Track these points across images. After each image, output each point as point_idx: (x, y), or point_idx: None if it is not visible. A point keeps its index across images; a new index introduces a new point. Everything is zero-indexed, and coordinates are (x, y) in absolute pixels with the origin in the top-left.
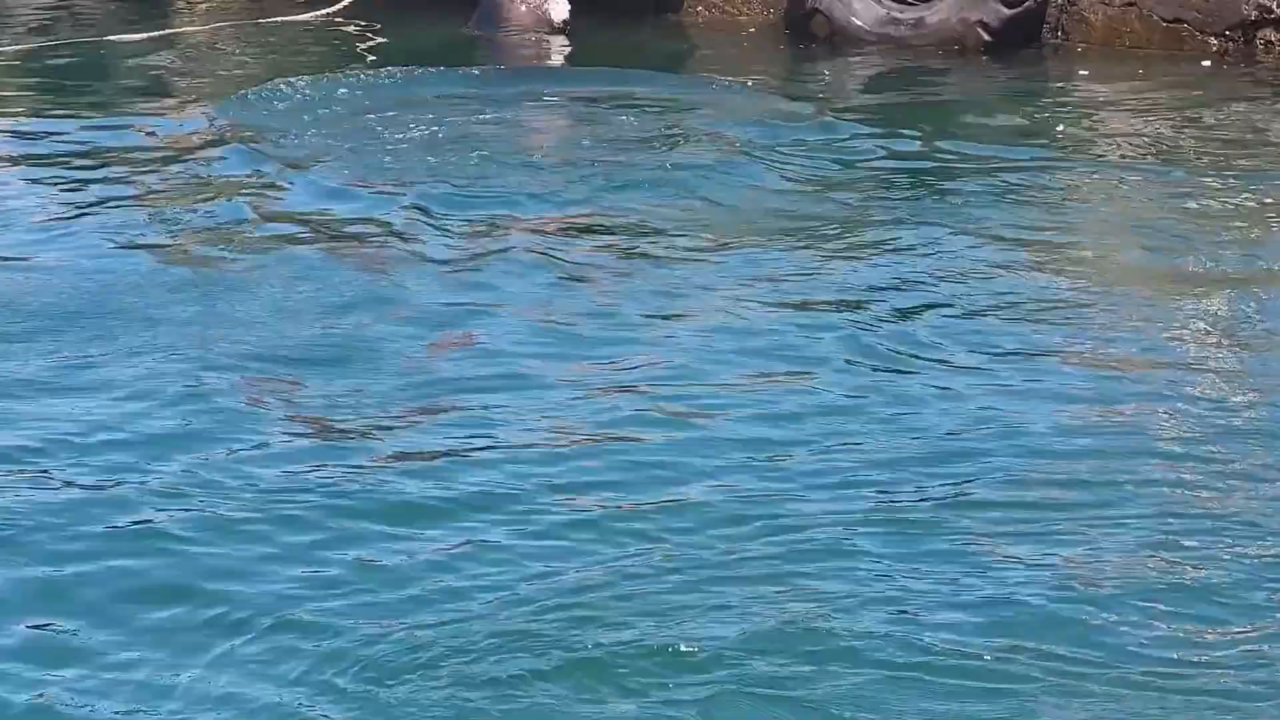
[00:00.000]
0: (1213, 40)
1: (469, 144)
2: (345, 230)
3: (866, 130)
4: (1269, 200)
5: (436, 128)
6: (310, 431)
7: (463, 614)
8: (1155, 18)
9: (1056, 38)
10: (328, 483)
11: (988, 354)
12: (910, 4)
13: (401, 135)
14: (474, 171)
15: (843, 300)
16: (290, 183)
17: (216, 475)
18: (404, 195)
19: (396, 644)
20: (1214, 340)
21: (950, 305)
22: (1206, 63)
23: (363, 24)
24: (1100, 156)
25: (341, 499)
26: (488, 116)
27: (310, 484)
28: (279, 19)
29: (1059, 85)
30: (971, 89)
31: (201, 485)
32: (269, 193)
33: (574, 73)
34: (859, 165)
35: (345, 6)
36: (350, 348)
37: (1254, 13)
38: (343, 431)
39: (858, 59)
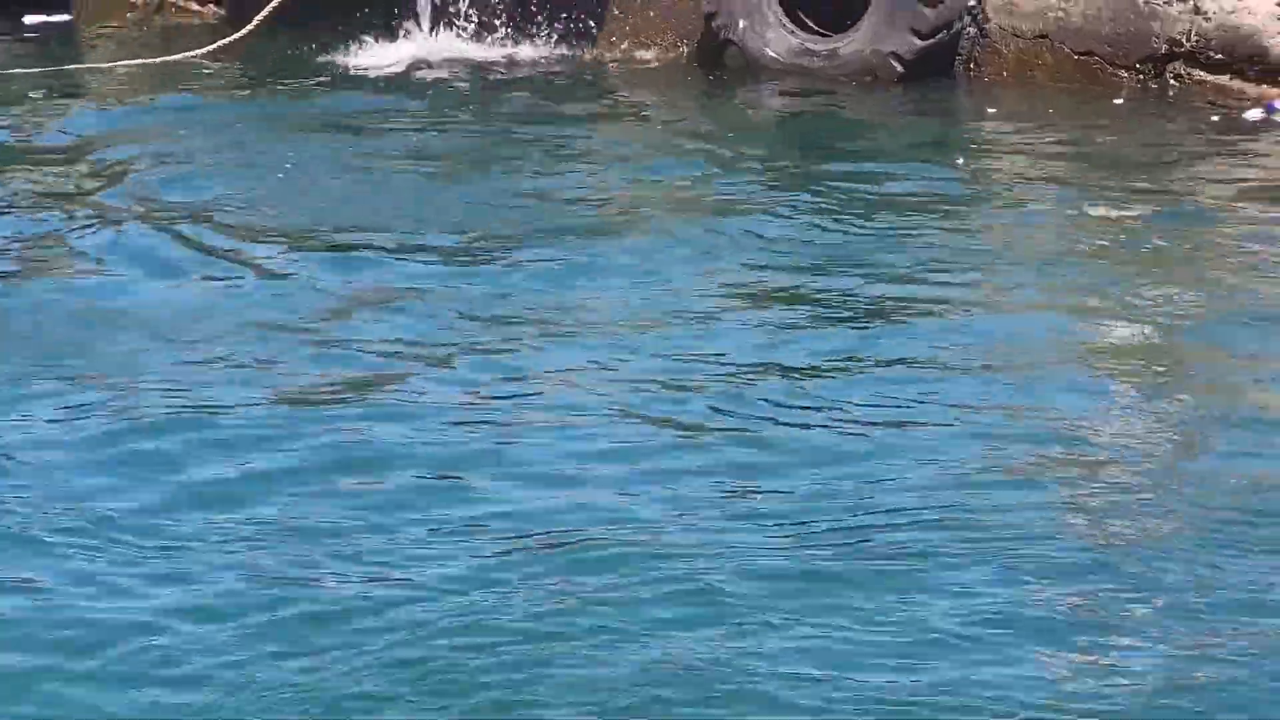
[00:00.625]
0: (1123, 73)
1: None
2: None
3: (772, 163)
4: (1169, 235)
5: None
6: None
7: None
8: (1066, 50)
9: (969, 69)
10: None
11: (883, 397)
12: (824, 35)
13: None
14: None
15: (735, 336)
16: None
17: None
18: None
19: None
20: (1116, 376)
21: (850, 346)
22: (1119, 100)
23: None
24: (1002, 192)
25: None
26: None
27: None
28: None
29: (967, 120)
30: (881, 122)
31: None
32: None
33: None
34: (762, 198)
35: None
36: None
37: (1164, 46)
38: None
39: (769, 91)
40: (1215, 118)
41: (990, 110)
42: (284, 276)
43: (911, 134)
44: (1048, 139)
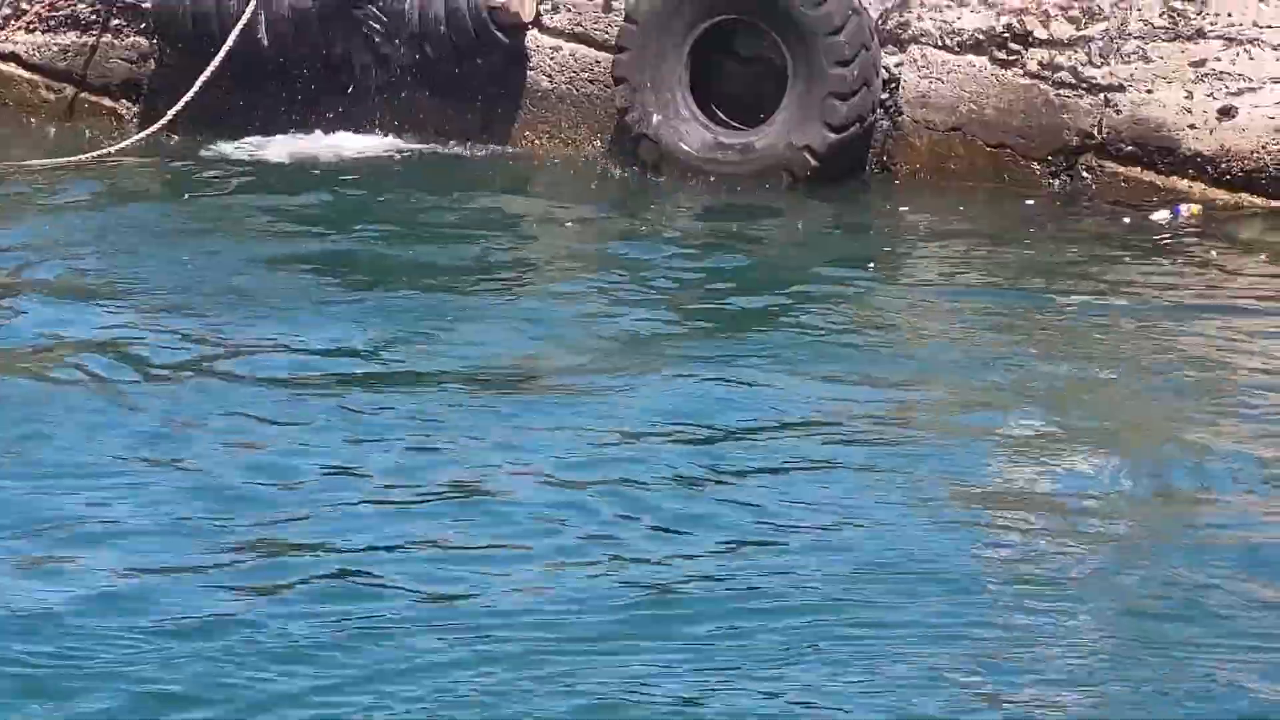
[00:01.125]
0: (1036, 165)
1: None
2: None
3: (679, 263)
4: (1079, 331)
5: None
6: None
7: None
8: (979, 143)
9: (883, 162)
10: None
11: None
12: (738, 129)
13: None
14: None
15: (629, 440)
16: None
17: None
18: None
19: None
20: (1020, 467)
21: (753, 446)
22: (1030, 201)
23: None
24: (910, 291)
25: None
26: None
27: None
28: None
29: (877, 218)
30: (791, 220)
31: None
32: None
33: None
34: (668, 298)
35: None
36: None
37: (1075, 139)
38: None
39: (681, 188)
40: (1126, 219)
41: (902, 209)
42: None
43: (821, 236)
44: (958, 242)
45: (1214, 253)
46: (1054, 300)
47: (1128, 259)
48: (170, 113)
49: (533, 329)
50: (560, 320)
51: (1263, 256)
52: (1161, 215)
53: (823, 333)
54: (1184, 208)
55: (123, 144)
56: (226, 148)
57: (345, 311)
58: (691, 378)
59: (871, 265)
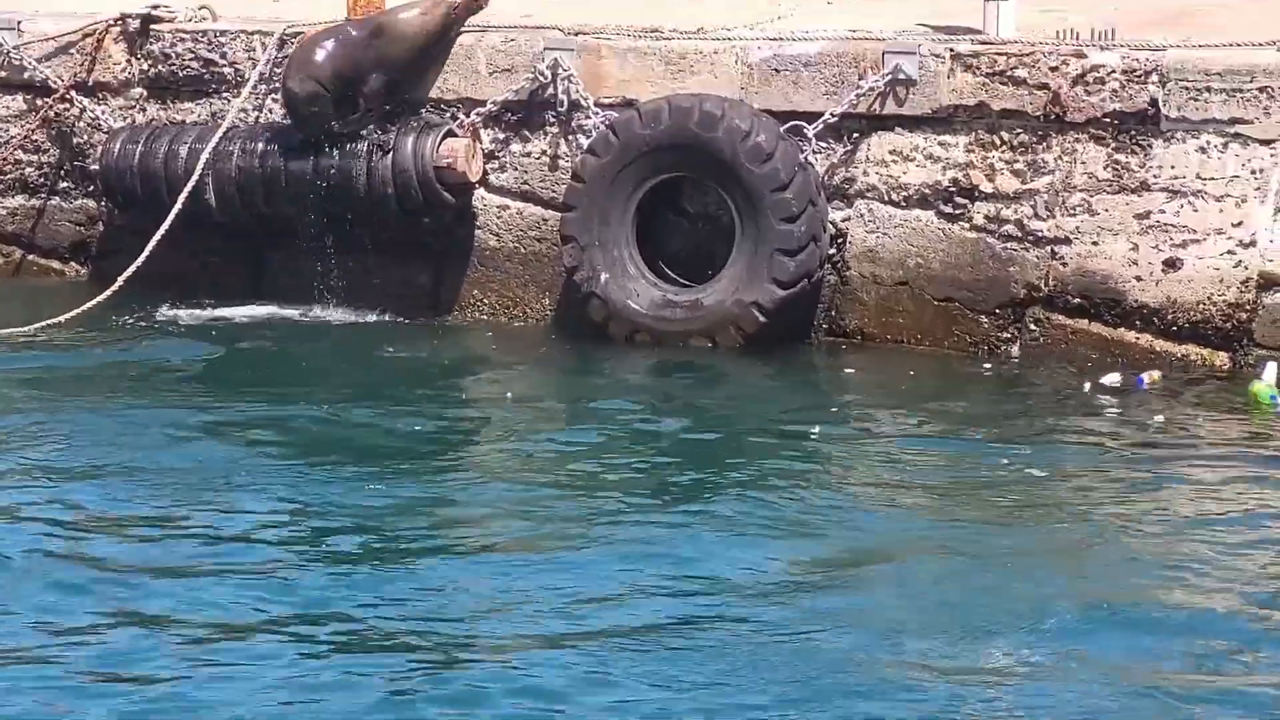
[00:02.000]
0: (984, 319)
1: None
2: None
3: (625, 428)
4: (1025, 499)
5: None
6: None
7: None
8: (927, 296)
9: (831, 316)
10: None
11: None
12: (686, 286)
13: None
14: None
15: (576, 608)
16: None
17: None
18: None
19: None
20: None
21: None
22: (987, 367)
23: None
24: (857, 452)
25: None
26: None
27: None
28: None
29: (825, 376)
30: (738, 380)
31: None
32: None
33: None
34: (613, 463)
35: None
36: None
37: (1023, 291)
38: None
39: (629, 347)
40: (1074, 382)
41: (849, 368)
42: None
43: (768, 396)
44: (904, 400)
45: (1159, 418)
46: (1001, 461)
47: (1078, 421)
48: (120, 279)
49: (473, 496)
50: (503, 488)
51: (1207, 414)
52: (1112, 379)
53: (770, 497)
54: (1145, 377)
55: (72, 313)
56: (172, 312)
57: (281, 481)
58: (635, 544)
59: (818, 427)
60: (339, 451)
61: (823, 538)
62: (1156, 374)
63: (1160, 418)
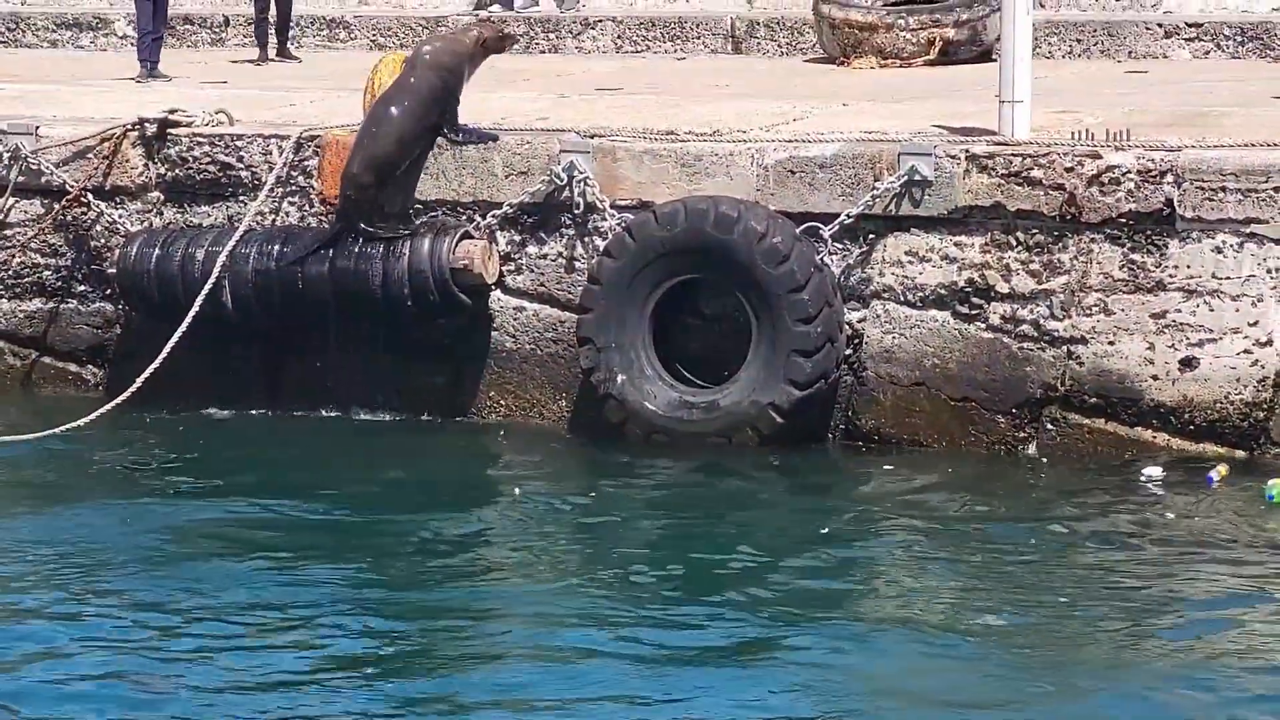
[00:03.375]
0: (1000, 419)
1: None
2: None
3: (639, 535)
4: (1050, 607)
5: None
6: None
7: None
8: (943, 397)
9: (848, 417)
10: None
11: None
12: (703, 387)
13: None
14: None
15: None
16: None
17: None
18: None
19: None
20: None
21: None
22: (985, 462)
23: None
24: (875, 561)
25: None
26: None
27: None
28: None
29: (842, 478)
30: (753, 486)
31: None
32: None
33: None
34: (621, 570)
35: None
36: None
37: (1039, 391)
38: None
39: (645, 450)
40: (1107, 476)
41: (866, 468)
42: None
43: (785, 500)
44: (922, 504)
45: (1170, 515)
46: (1019, 570)
47: (1097, 519)
48: (138, 381)
49: (481, 599)
50: (517, 594)
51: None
52: (1153, 471)
53: (784, 603)
54: (1215, 474)
55: (89, 417)
56: (189, 415)
57: (289, 582)
58: (642, 663)
59: (831, 530)
60: (351, 552)
61: (839, 653)
62: (1225, 468)
63: (1172, 514)
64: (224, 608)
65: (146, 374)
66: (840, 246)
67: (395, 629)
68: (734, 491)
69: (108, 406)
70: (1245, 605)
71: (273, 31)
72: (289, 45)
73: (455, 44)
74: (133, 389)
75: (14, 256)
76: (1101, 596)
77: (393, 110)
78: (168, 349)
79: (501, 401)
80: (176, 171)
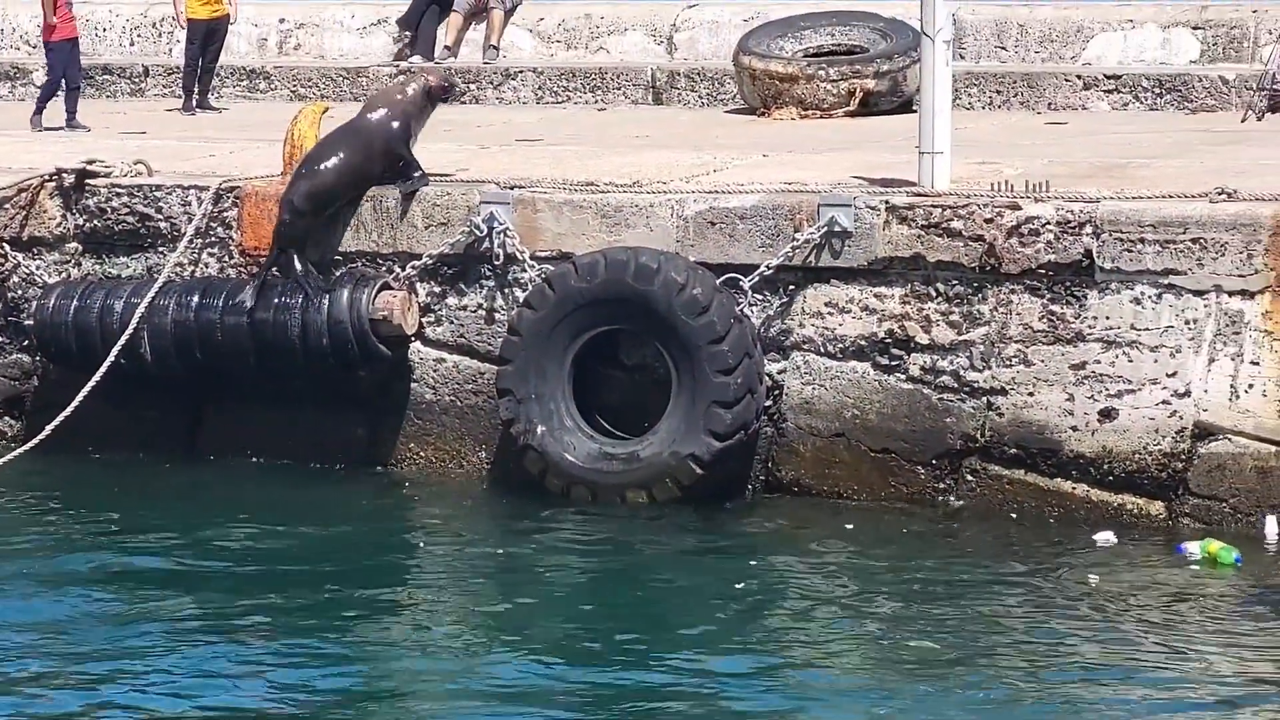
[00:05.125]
0: (921, 470)
1: None
2: None
3: (554, 591)
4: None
5: None
6: None
7: None
8: (864, 448)
9: (768, 468)
10: None
11: None
12: (623, 438)
13: None
14: None
15: None
16: None
17: None
18: None
19: None
20: None
21: None
22: (905, 513)
23: None
24: (787, 621)
25: None
26: None
27: None
28: None
29: (761, 529)
30: (669, 536)
31: None
32: None
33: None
34: (535, 622)
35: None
36: None
37: (959, 442)
38: None
39: (565, 502)
40: (1026, 527)
41: (783, 520)
42: None
43: (702, 554)
44: (840, 556)
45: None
46: (939, 620)
47: (1011, 573)
48: (48, 428)
49: (395, 655)
50: (431, 644)
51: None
52: (1103, 536)
53: (697, 661)
54: (1186, 547)
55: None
56: (105, 464)
57: (196, 634)
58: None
59: (751, 584)
60: (260, 602)
61: (757, 702)
62: (1214, 545)
63: (1095, 577)
64: (120, 654)
65: (57, 421)
66: (760, 297)
67: (302, 680)
68: (652, 544)
69: (15, 453)
70: (1154, 655)
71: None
72: (209, 96)
73: (403, 97)
74: (42, 435)
75: None
76: (1020, 647)
77: (340, 150)
78: (80, 397)
79: (421, 453)
80: (95, 222)
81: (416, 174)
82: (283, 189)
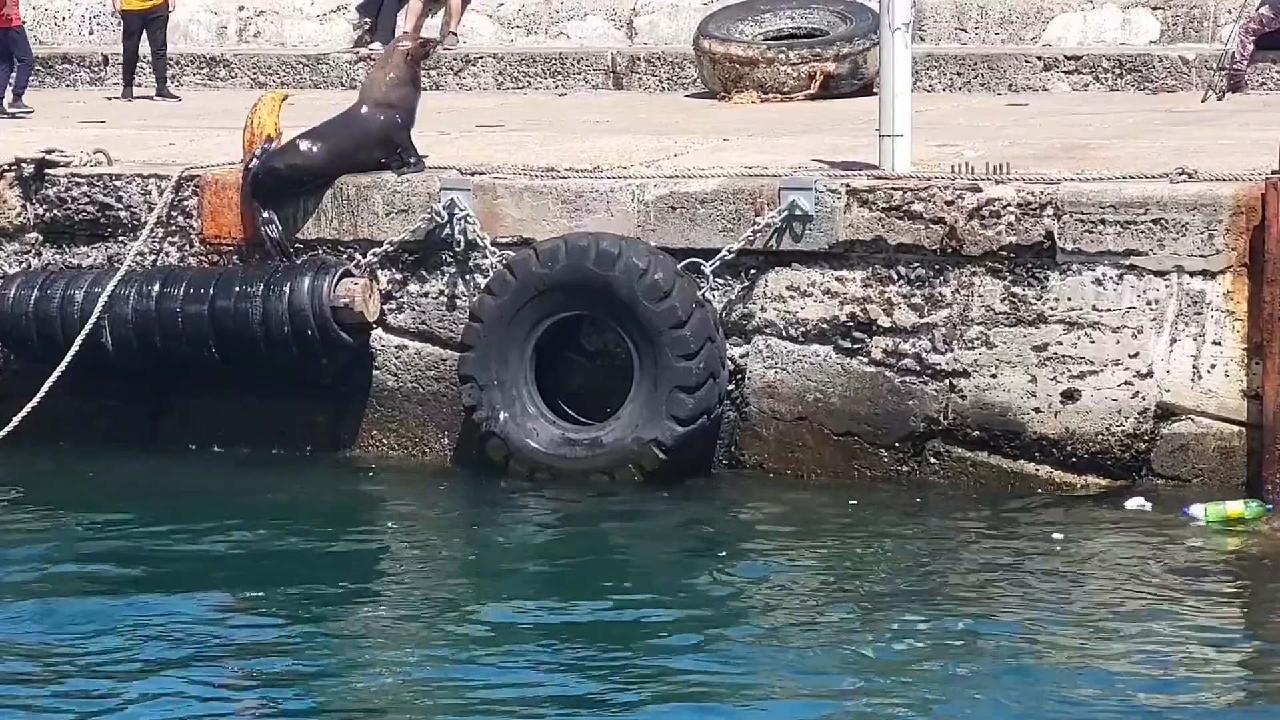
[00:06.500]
0: (884, 452)
1: None
2: None
3: (520, 575)
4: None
5: None
6: None
7: None
8: (826, 431)
9: (731, 453)
10: None
11: None
12: (585, 424)
13: None
14: None
15: None
16: None
17: None
18: None
19: None
20: None
21: None
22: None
23: None
24: (753, 607)
25: None
26: None
27: None
28: None
29: (725, 514)
30: (636, 520)
31: None
32: None
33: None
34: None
35: None
36: None
37: (922, 425)
38: None
39: (528, 485)
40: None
41: (749, 503)
42: None
43: (667, 536)
44: (805, 537)
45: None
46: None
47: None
48: (13, 421)
49: (364, 654)
50: (393, 636)
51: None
52: (1135, 503)
53: (667, 639)
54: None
55: None
56: (67, 454)
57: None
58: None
59: (717, 568)
60: (224, 589)
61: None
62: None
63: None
64: (87, 643)
65: (21, 415)
66: (722, 282)
67: (264, 669)
68: (618, 526)
69: None
70: (1140, 622)
71: (151, 71)
72: (168, 84)
73: (393, 76)
74: (7, 430)
75: None
76: (990, 619)
77: (338, 134)
78: (44, 390)
79: (384, 440)
80: (55, 212)
81: (413, 159)
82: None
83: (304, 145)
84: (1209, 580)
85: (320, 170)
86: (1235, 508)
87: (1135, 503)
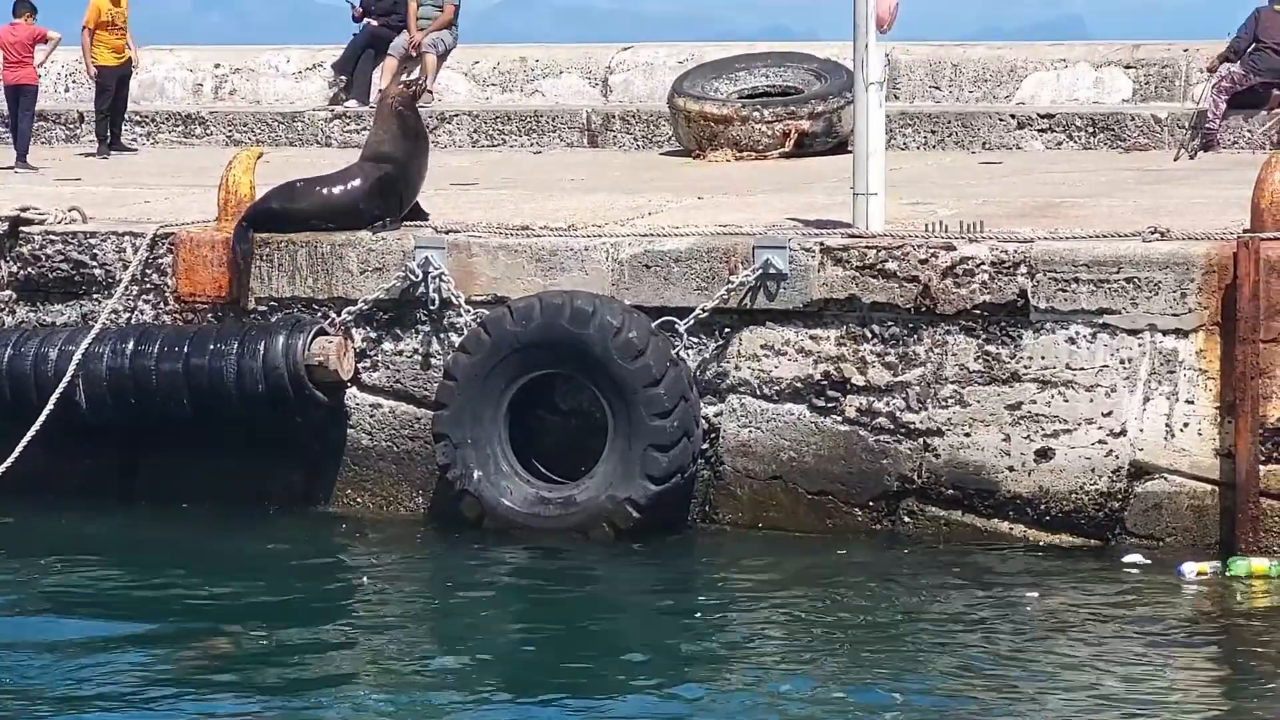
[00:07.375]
0: (858, 511)
1: None
2: None
3: (490, 635)
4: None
5: None
6: None
7: None
8: (800, 490)
9: (705, 511)
10: None
11: None
12: (559, 483)
13: None
14: None
15: None
16: None
17: None
18: None
19: None
20: None
21: None
22: (845, 550)
23: None
24: (729, 661)
25: None
26: None
27: None
28: None
29: (698, 573)
30: (609, 580)
31: None
32: None
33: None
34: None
35: None
36: None
37: (896, 484)
38: None
39: (502, 544)
40: (962, 564)
41: (722, 561)
42: None
43: (640, 597)
44: (776, 598)
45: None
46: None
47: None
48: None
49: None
50: (367, 693)
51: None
52: (1133, 557)
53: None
54: (1188, 568)
55: None
56: (41, 512)
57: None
58: None
59: (690, 626)
60: (196, 647)
61: None
62: (1205, 566)
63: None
64: (56, 696)
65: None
66: (696, 340)
67: None
68: (591, 583)
69: None
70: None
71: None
72: (121, 138)
73: (383, 127)
74: None
75: None
76: (964, 676)
77: (336, 187)
78: (18, 450)
79: (358, 498)
80: (29, 270)
81: (389, 219)
82: (218, 236)
83: (300, 188)
84: (1187, 635)
85: (313, 215)
86: (1260, 564)
87: (1132, 559)
